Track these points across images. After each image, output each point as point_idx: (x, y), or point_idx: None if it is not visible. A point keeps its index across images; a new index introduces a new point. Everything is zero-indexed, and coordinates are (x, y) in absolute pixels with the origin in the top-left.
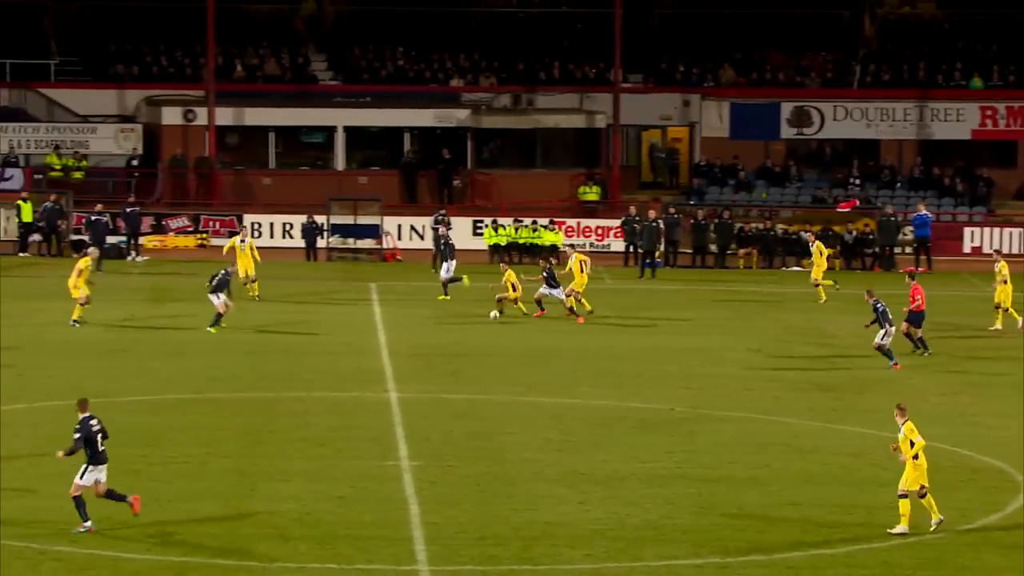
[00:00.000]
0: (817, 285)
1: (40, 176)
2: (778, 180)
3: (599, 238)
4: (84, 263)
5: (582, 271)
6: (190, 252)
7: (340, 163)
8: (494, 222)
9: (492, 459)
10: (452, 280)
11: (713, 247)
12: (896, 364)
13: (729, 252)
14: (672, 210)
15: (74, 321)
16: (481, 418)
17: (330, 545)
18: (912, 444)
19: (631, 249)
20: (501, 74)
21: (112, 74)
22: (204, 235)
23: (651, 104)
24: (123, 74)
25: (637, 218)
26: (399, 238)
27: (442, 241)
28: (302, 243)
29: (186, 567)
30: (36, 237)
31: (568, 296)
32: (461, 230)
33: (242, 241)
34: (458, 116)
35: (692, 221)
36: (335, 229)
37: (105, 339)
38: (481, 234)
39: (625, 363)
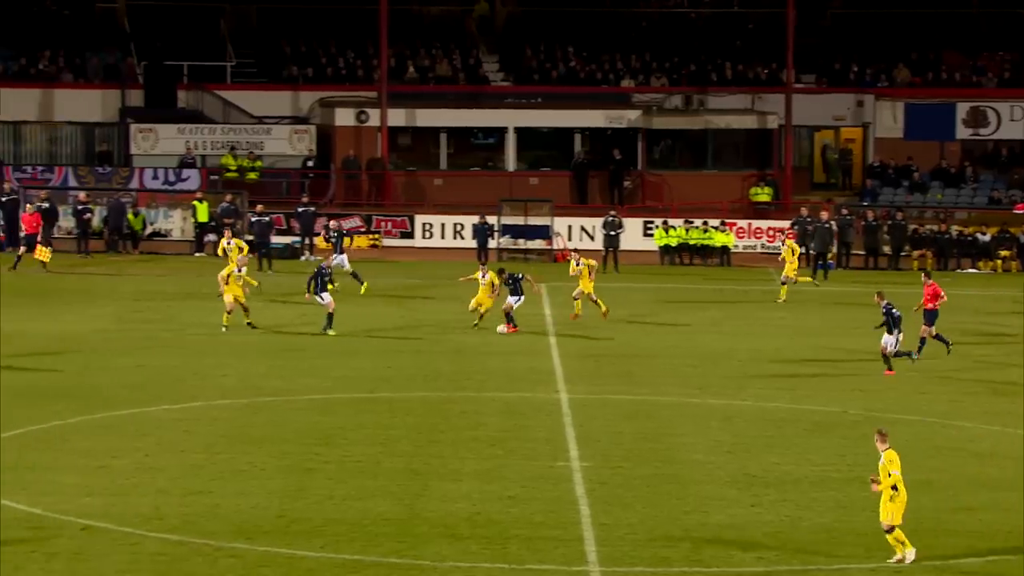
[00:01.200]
0: (784, 283)
1: (216, 177)
2: (953, 181)
3: (770, 239)
4: (227, 269)
5: (590, 276)
6: (362, 252)
7: (511, 164)
8: (665, 223)
9: (662, 460)
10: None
11: (886, 249)
12: (890, 371)
13: (903, 254)
14: (845, 211)
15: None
16: (651, 419)
17: (501, 545)
18: (889, 475)
19: (803, 250)
20: (672, 75)
21: (286, 76)
22: (376, 235)
23: (824, 104)
24: (297, 76)
25: (809, 219)
26: (569, 239)
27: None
28: (473, 243)
29: (359, 565)
30: (211, 237)
31: (575, 299)
32: (632, 231)
33: (228, 242)
34: (629, 117)
35: (864, 223)
36: (506, 230)
37: (278, 339)
38: (651, 235)
39: (795, 365)
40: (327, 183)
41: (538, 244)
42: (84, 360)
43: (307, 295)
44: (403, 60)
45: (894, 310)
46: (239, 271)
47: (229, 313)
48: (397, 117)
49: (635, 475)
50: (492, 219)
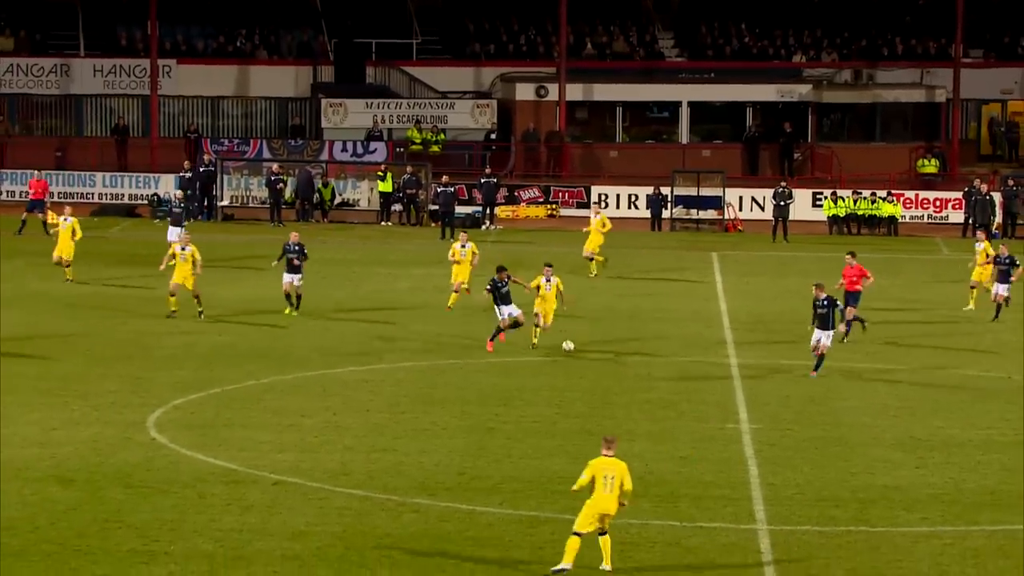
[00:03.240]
0: (974, 287)
1: (401, 149)
2: None
3: (937, 210)
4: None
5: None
6: (541, 222)
7: (684, 137)
8: (833, 194)
9: (829, 423)
10: None
11: None
12: (814, 373)
13: None
14: (1011, 182)
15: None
16: (818, 384)
17: (672, 503)
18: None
19: (970, 221)
20: (843, 50)
21: (469, 52)
22: (554, 206)
23: (992, 78)
24: (480, 52)
25: (975, 190)
26: (740, 209)
27: None
28: (647, 214)
29: (536, 521)
30: (396, 207)
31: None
32: (801, 202)
33: (65, 220)
34: (800, 91)
35: None
36: (679, 200)
37: (461, 303)
38: (820, 206)
39: (961, 330)
40: (507, 155)
41: (710, 214)
42: (276, 322)
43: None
44: (581, 37)
45: (838, 304)
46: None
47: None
48: (575, 92)
49: (803, 437)
50: (665, 190)
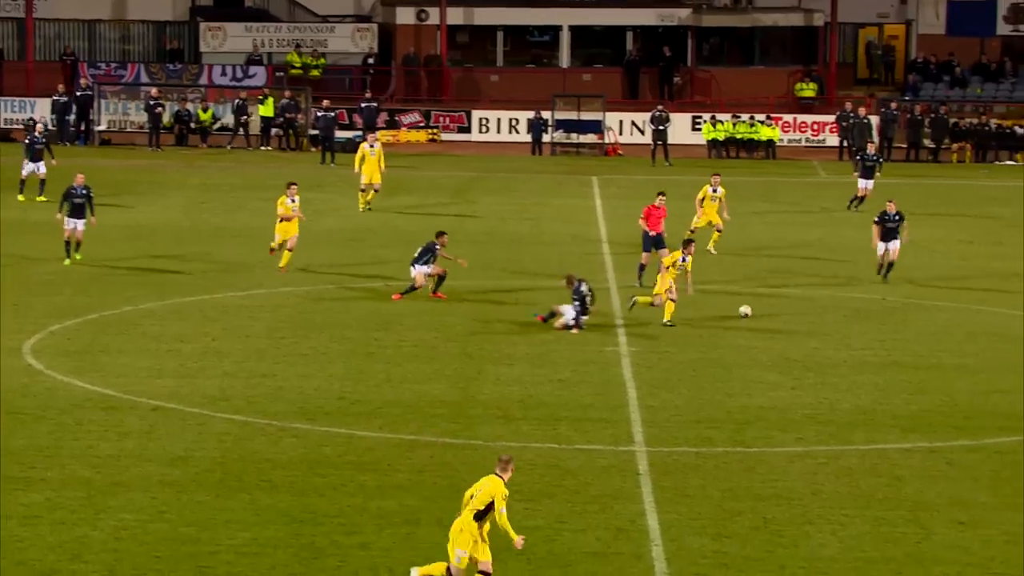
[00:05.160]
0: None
1: (281, 74)
2: (993, 76)
3: (814, 134)
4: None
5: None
6: (421, 146)
7: (565, 61)
8: (713, 118)
9: (707, 346)
10: None
11: (928, 142)
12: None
13: (943, 147)
14: (893, 105)
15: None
16: (697, 306)
17: (551, 426)
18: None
19: (845, 144)
20: None
21: None
22: (435, 130)
23: (869, 2)
24: None
25: (852, 114)
26: (620, 133)
27: None
28: (528, 138)
29: (415, 444)
30: (276, 131)
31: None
32: (680, 126)
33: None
34: (679, 15)
35: (907, 117)
36: (559, 124)
37: (341, 228)
38: (700, 130)
39: (838, 255)
40: (388, 79)
41: (590, 139)
42: (154, 249)
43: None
44: None
45: (587, 297)
46: None
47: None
48: (456, 16)
49: (680, 360)
50: (546, 114)
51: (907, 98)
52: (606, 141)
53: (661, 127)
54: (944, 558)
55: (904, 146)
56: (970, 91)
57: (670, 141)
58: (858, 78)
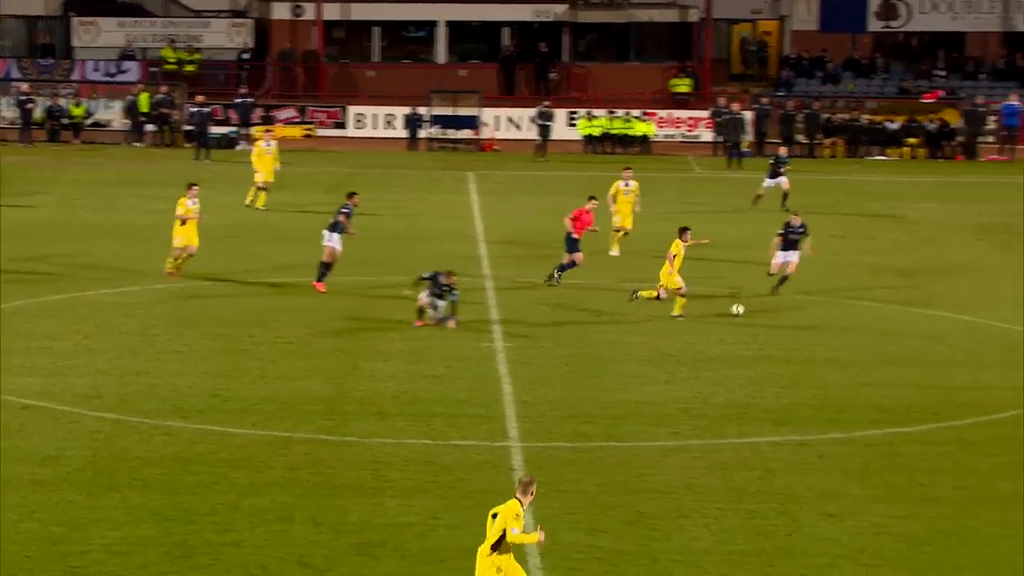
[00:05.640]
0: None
1: (155, 69)
2: (865, 72)
3: (689, 129)
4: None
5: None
6: (297, 142)
7: (441, 57)
8: (588, 113)
9: (583, 341)
10: None
11: (801, 137)
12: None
13: (816, 142)
14: (765, 100)
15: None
16: (573, 302)
17: (426, 422)
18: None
19: (721, 140)
20: None
21: None
22: (310, 126)
23: None
24: None
25: (725, 110)
26: (497, 129)
27: None
28: (404, 133)
29: (290, 441)
30: (150, 127)
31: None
32: (556, 122)
33: None
34: (555, 11)
35: (780, 112)
36: (436, 120)
37: (216, 225)
38: (575, 125)
39: (714, 250)
40: (263, 75)
41: (466, 134)
42: (26, 246)
43: None
44: None
45: (453, 290)
46: None
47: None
48: (332, 11)
49: (556, 355)
50: (422, 110)
51: (780, 93)
52: (482, 137)
53: (546, 123)
54: (814, 550)
55: (778, 141)
56: (842, 87)
57: (553, 137)
58: (732, 74)
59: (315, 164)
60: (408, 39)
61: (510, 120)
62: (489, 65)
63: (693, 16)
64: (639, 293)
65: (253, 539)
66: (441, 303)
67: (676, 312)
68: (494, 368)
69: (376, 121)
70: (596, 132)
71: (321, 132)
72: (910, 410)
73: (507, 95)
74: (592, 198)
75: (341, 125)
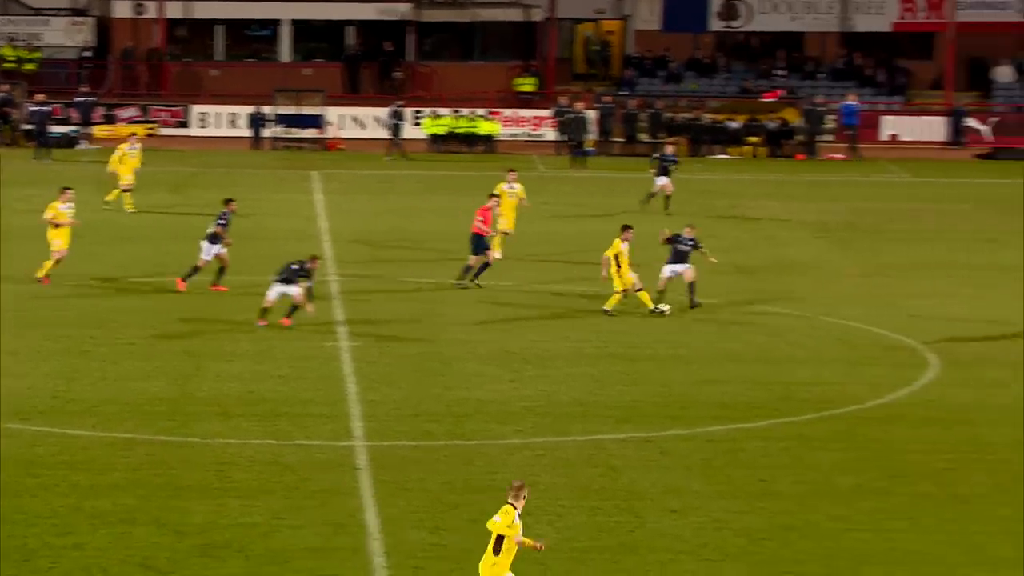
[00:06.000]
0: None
1: None
2: (707, 71)
3: (534, 128)
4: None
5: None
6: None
7: (285, 55)
8: (433, 112)
9: (428, 339)
10: None
11: (644, 136)
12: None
13: (659, 141)
14: (609, 99)
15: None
16: (419, 301)
17: (271, 422)
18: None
19: (565, 139)
20: None
21: None
22: (153, 125)
23: None
24: None
25: (568, 109)
26: (342, 128)
27: None
28: (248, 132)
29: (132, 442)
30: None
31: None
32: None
33: None
34: (400, 10)
35: (623, 111)
36: (280, 119)
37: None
38: (420, 124)
39: (558, 248)
40: (105, 73)
41: (311, 133)
42: None
43: None
44: None
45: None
46: None
47: None
48: (174, 9)
49: (401, 354)
50: (266, 109)
51: (624, 93)
52: (327, 136)
53: (399, 122)
54: (657, 546)
55: (622, 140)
56: (684, 86)
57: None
58: (576, 73)
59: (158, 163)
60: (252, 38)
61: (355, 119)
62: (333, 64)
63: (537, 15)
64: (606, 308)
65: (95, 542)
66: (295, 288)
67: (652, 307)
68: (339, 368)
69: (220, 120)
70: (441, 131)
71: (164, 131)
72: (751, 406)
73: (352, 94)
74: (493, 195)
75: (184, 124)
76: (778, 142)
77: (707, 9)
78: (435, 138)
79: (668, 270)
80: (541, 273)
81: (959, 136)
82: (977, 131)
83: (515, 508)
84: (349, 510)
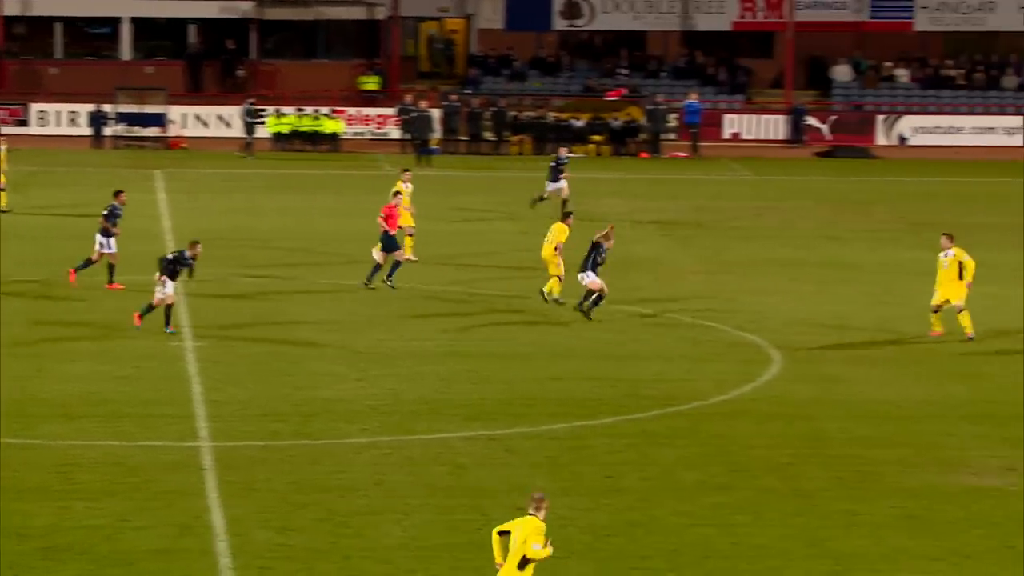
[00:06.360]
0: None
1: None
2: (550, 70)
3: (379, 126)
4: None
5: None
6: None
7: (126, 53)
8: (277, 111)
9: (274, 339)
10: None
11: (489, 135)
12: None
13: (503, 139)
14: (454, 98)
15: None
16: (265, 300)
17: (115, 423)
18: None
19: (409, 137)
20: None
21: None
22: None
23: None
24: None
25: (412, 107)
26: (184, 127)
27: None
28: (89, 131)
29: None
30: None
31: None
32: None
33: None
34: (242, 8)
35: (468, 110)
36: (121, 118)
37: None
38: (264, 123)
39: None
40: None
41: (153, 132)
42: None
43: None
44: None
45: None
46: None
47: None
48: (12, 6)
49: (247, 353)
50: (107, 107)
51: (468, 91)
52: (169, 135)
53: (253, 120)
54: None
55: (466, 139)
56: (528, 84)
57: (237, 135)
58: (421, 71)
59: None
60: (92, 35)
61: (198, 118)
62: (175, 62)
63: (380, 14)
64: (554, 293)
65: None
66: (170, 284)
67: (548, 289)
68: (183, 368)
69: (60, 119)
70: (285, 130)
71: (4, 130)
72: (596, 403)
73: (194, 92)
74: (396, 193)
75: (23, 123)
76: (622, 140)
77: (550, 8)
78: (279, 136)
79: (579, 276)
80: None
81: (799, 134)
82: (818, 129)
83: (543, 523)
84: (195, 511)
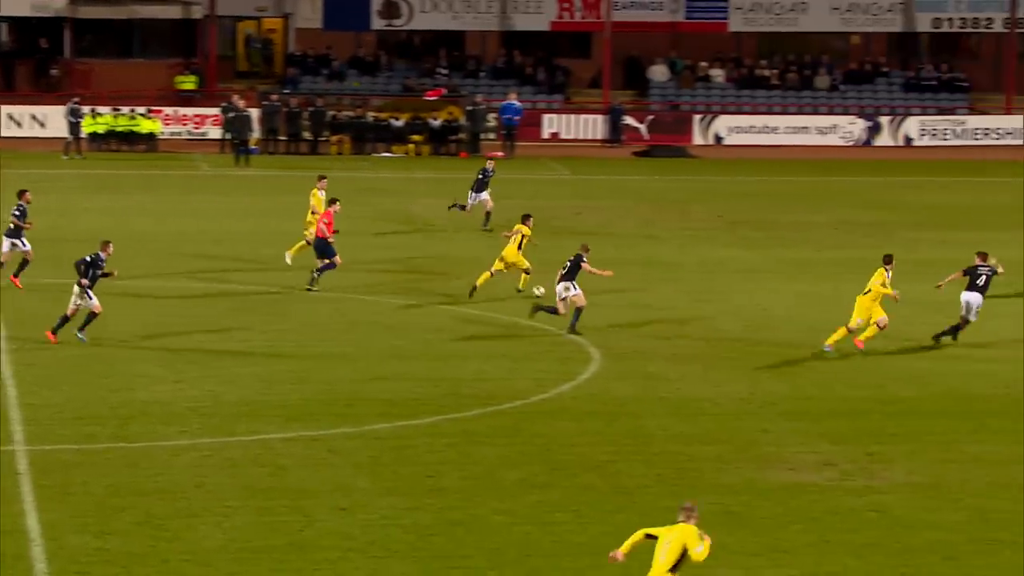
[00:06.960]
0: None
1: None
2: (369, 70)
3: (196, 126)
4: None
5: None
6: None
7: None
8: (93, 111)
9: (90, 341)
10: None
11: (307, 134)
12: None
13: (322, 139)
14: (275, 97)
15: None
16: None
17: None
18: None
19: (228, 137)
20: None
21: None
22: None
23: None
24: None
25: (233, 107)
26: None
27: None
28: None
29: None
30: None
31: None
32: (59, 119)
33: None
34: (55, 6)
35: (287, 110)
36: None
37: None
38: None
39: (221, 246)
40: None
41: None
42: None
43: None
44: None
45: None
46: None
47: None
48: None
49: (63, 357)
50: None
51: (287, 91)
52: None
53: (77, 120)
54: (326, 544)
55: (285, 138)
56: (347, 84)
57: (51, 135)
58: (239, 71)
59: None
60: None
61: (11, 117)
62: None
63: (197, 13)
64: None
65: None
66: (92, 294)
67: (523, 286)
68: None
69: None
70: (101, 130)
71: None
72: (418, 403)
73: (7, 91)
74: (334, 200)
75: None
76: (442, 140)
77: (368, 8)
78: (95, 136)
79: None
80: (203, 272)
81: (617, 134)
82: (636, 129)
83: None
84: (10, 516)
